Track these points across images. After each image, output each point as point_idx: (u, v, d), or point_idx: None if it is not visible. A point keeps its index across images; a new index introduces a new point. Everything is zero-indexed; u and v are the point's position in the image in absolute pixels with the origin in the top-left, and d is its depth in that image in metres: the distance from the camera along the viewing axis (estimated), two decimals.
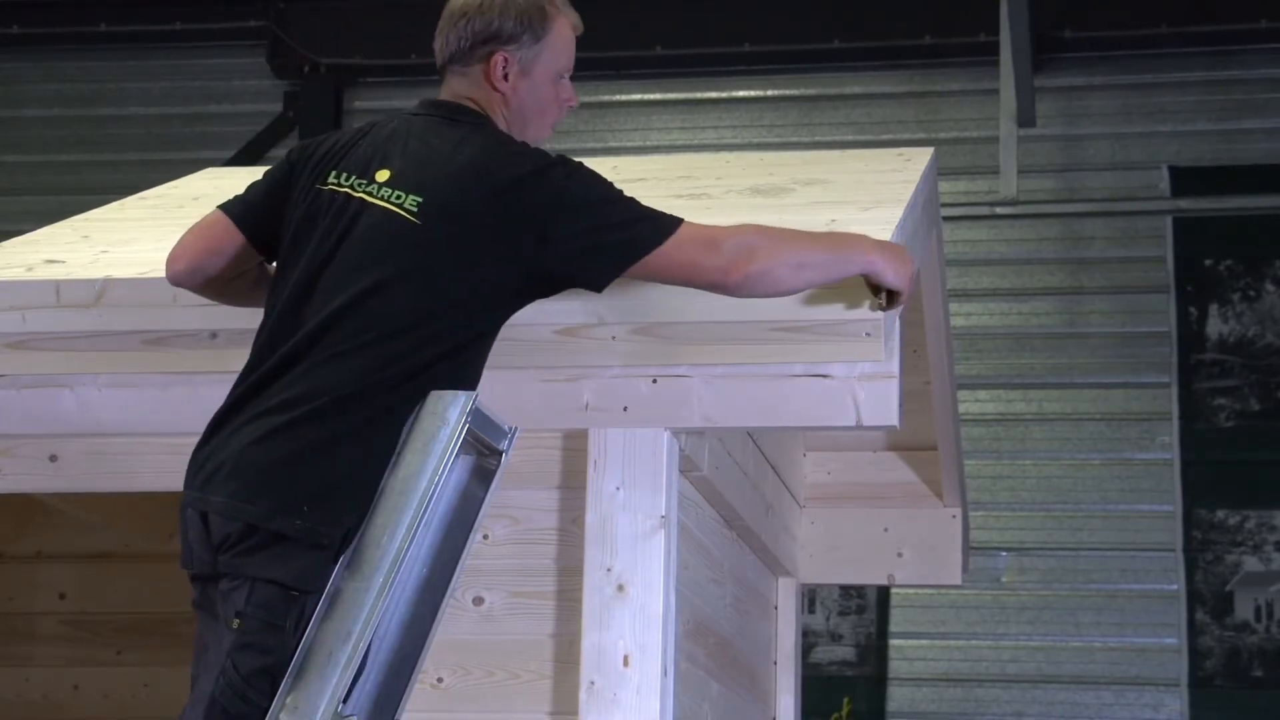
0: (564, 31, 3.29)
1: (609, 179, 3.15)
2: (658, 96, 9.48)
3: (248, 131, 9.46)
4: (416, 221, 3.03)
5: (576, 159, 3.17)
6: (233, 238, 3.25)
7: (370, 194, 3.08)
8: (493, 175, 3.05)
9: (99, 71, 9.95)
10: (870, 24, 9.21)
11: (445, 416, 2.94)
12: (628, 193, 3.16)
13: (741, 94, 9.41)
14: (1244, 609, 8.37)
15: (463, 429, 2.94)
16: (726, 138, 9.30)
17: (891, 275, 3.26)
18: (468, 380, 3.08)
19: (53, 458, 3.79)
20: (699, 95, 9.43)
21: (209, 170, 5.49)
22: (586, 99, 9.49)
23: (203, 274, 3.28)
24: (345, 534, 2.90)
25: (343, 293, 3.00)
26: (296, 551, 2.86)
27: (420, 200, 3.05)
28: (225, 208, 3.29)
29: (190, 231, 3.31)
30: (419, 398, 2.97)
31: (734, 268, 3.09)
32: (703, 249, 3.09)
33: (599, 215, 3.09)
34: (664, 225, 3.10)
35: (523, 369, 3.51)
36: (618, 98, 9.51)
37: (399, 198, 3.06)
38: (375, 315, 2.98)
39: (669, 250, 3.08)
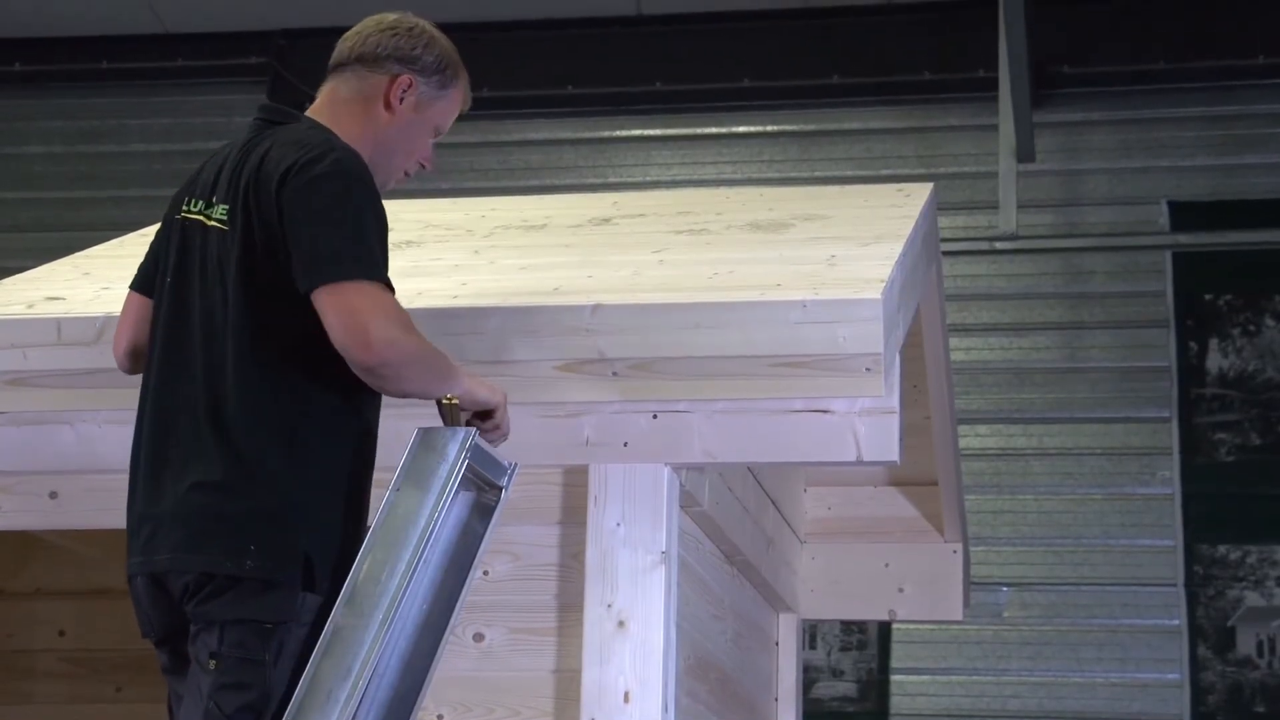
0: (459, 99, 3.34)
1: (373, 211, 3.00)
2: (658, 132, 9.50)
3: None
4: (226, 229, 3.05)
5: (363, 180, 3.03)
6: (144, 306, 3.28)
7: (208, 217, 3.11)
8: (275, 164, 3.03)
9: (100, 108, 9.97)
10: (869, 60, 9.23)
11: (444, 452, 2.94)
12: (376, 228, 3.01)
13: (741, 129, 9.43)
14: (1246, 644, 8.35)
15: (462, 465, 2.94)
16: (726, 173, 9.31)
17: (484, 395, 3.07)
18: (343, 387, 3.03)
19: (53, 494, 3.80)
20: (699, 130, 9.45)
21: None
22: (587, 134, 9.56)
23: (142, 351, 3.28)
24: (306, 561, 2.90)
25: (208, 325, 3.03)
26: (256, 589, 2.88)
27: (227, 208, 3.07)
28: (131, 283, 3.35)
29: (119, 318, 3.36)
30: (318, 410, 2.98)
31: (376, 346, 2.87)
32: (376, 312, 2.88)
33: (326, 216, 2.95)
34: (367, 268, 2.92)
35: (523, 404, 3.50)
36: (618, 133, 9.52)
37: (220, 213, 3.08)
38: (236, 341, 2.98)
39: (349, 290, 2.89)
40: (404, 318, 2.94)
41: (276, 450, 2.94)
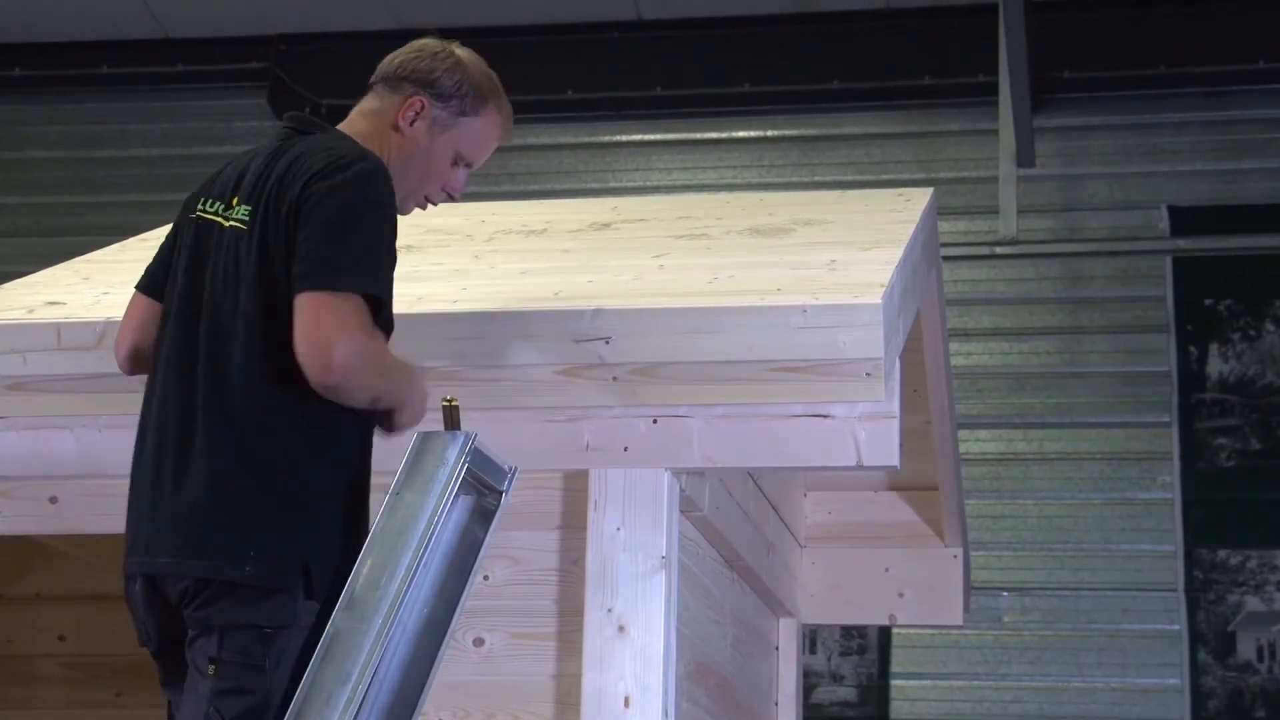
0: (489, 129, 3.30)
1: (384, 225, 2.99)
2: (658, 137, 9.50)
3: None
4: (247, 230, 3.03)
5: (381, 192, 3.01)
6: (150, 308, 3.27)
7: (226, 218, 3.10)
8: (303, 169, 3.01)
9: (100, 113, 9.97)
10: (869, 65, 9.24)
11: (444, 456, 2.93)
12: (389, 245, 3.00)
13: (741, 134, 9.43)
14: (1246, 649, 8.34)
15: (462, 469, 2.94)
16: (727, 178, 9.31)
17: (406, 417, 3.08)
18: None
19: (53, 499, 3.79)
20: (699, 136, 9.45)
21: None
22: (587, 139, 9.57)
23: (143, 353, 3.27)
24: (306, 569, 2.90)
25: (216, 328, 3.01)
26: (255, 595, 2.87)
27: (250, 208, 3.05)
28: (137, 284, 3.33)
29: (122, 320, 3.34)
30: (325, 419, 2.96)
31: (335, 369, 2.86)
32: (344, 332, 2.85)
33: (331, 223, 2.93)
34: (354, 279, 2.89)
35: (523, 409, 3.51)
36: (618, 138, 9.53)
37: (241, 213, 3.07)
38: (246, 345, 2.97)
39: (325, 301, 2.87)
40: (372, 346, 2.90)
41: (282, 459, 2.94)
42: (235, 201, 3.10)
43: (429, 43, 3.28)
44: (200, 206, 3.17)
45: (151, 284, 3.29)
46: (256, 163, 3.14)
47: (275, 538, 2.90)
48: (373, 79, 3.29)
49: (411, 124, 3.22)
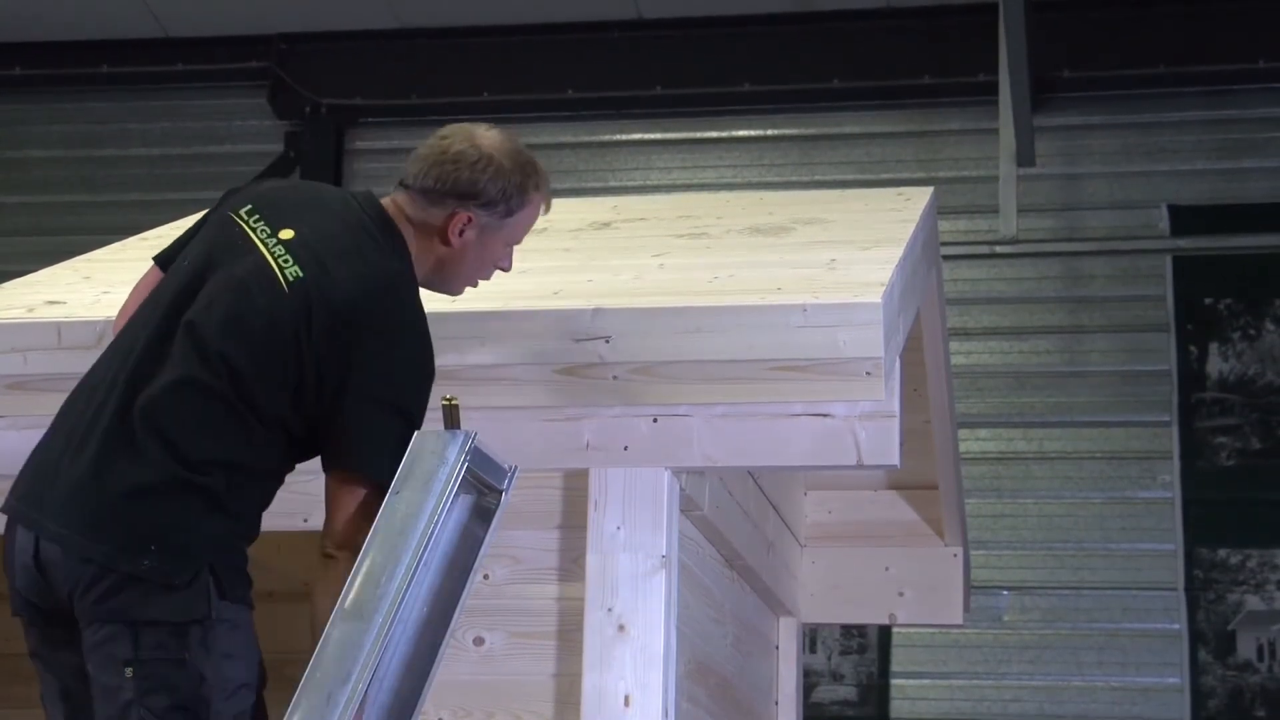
0: (533, 212, 3.29)
1: (424, 406, 3.05)
2: (658, 136, 9.50)
3: (249, 172, 9.45)
4: (285, 291, 3.02)
5: (433, 368, 3.08)
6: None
7: (264, 242, 3.08)
8: (362, 306, 3.01)
9: (101, 113, 9.97)
10: (870, 64, 9.24)
11: (444, 455, 2.93)
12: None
13: (742, 133, 9.43)
14: (1246, 648, 8.34)
15: (462, 468, 2.94)
16: (727, 177, 9.31)
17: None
18: (277, 472, 3.08)
19: None
20: (699, 135, 9.45)
21: None
22: (587, 138, 9.57)
23: None
24: (211, 569, 2.91)
25: (205, 329, 3.00)
26: (156, 590, 2.87)
27: (301, 276, 3.03)
28: (156, 256, 3.33)
29: (132, 290, 3.34)
30: (257, 458, 2.99)
31: (341, 549, 2.97)
32: (360, 518, 2.95)
33: (391, 416, 2.99)
34: (382, 468, 2.96)
35: (523, 409, 3.51)
36: (618, 137, 9.53)
37: (286, 261, 3.05)
38: (226, 364, 2.97)
39: (355, 484, 2.98)
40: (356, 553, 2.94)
41: (206, 478, 2.93)
42: (285, 235, 3.08)
43: (463, 149, 3.18)
44: (246, 216, 3.14)
45: (169, 259, 3.27)
46: (330, 225, 3.11)
47: (177, 534, 2.90)
48: (407, 182, 3.20)
49: (460, 235, 3.19)
